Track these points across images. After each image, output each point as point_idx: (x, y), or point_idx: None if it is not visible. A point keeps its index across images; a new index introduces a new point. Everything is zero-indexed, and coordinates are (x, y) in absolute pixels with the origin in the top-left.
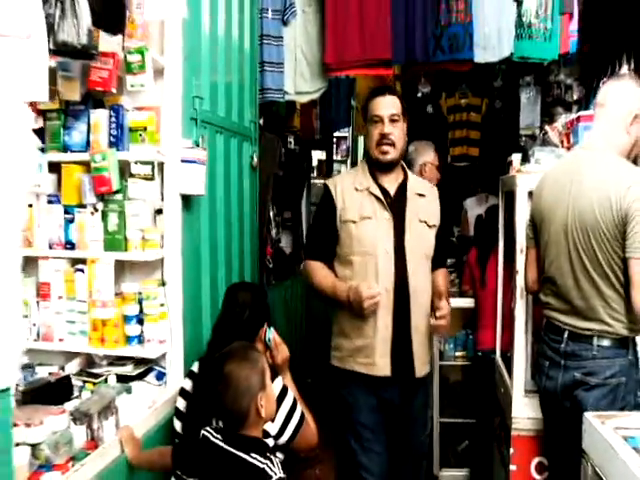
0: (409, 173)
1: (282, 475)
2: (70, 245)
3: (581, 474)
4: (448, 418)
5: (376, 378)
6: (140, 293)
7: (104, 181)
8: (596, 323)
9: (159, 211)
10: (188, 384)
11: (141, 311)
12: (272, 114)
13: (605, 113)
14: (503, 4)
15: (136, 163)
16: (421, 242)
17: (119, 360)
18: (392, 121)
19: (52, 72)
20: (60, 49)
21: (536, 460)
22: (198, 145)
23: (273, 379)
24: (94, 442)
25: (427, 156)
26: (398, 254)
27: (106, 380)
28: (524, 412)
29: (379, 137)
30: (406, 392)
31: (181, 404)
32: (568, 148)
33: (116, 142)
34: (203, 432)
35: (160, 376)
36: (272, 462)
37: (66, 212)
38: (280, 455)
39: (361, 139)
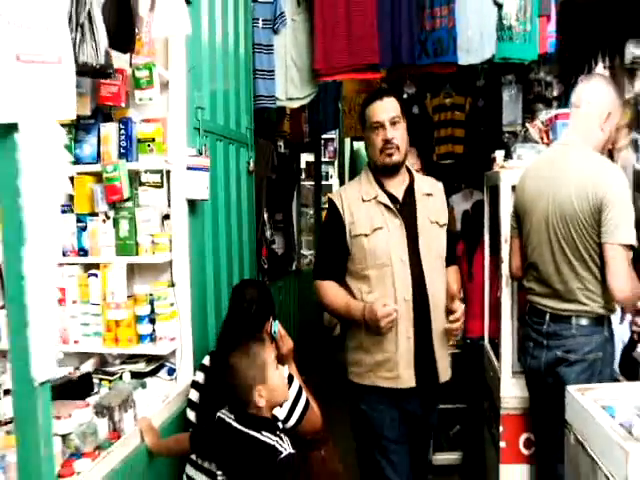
0: (414, 173)
1: (292, 451)
2: (83, 252)
3: (565, 443)
4: (440, 404)
5: (399, 390)
6: (151, 294)
7: (116, 190)
8: (574, 304)
9: (166, 216)
10: (200, 376)
11: (152, 311)
12: (264, 120)
13: (580, 113)
14: (485, 9)
15: (146, 172)
16: (435, 244)
17: (131, 358)
18: (393, 124)
19: None
20: (81, 69)
21: (524, 436)
22: (201, 153)
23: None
24: (116, 433)
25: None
26: (413, 260)
27: (121, 377)
28: (512, 392)
29: (382, 143)
30: (428, 401)
31: (194, 395)
32: (547, 144)
33: (126, 153)
34: (218, 414)
35: (171, 372)
36: (282, 439)
37: (79, 220)
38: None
39: (347, 140)
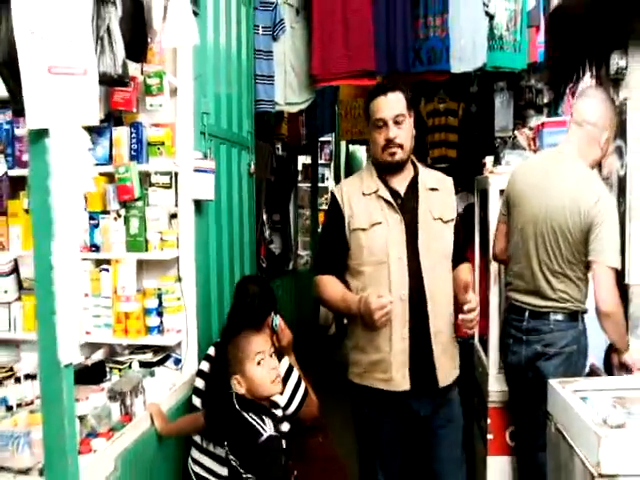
0: (420, 167)
1: (272, 434)
2: (95, 248)
3: (546, 433)
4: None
5: (396, 393)
6: (159, 288)
7: (127, 190)
8: (552, 301)
9: (174, 215)
10: (206, 366)
11: (160, 304)
12: (263, 123)
13: (582, 132)
14: (477, 19)
15: (156, 174)
16: (437, 242)
17: (139, 349)
18: (397, 122)
19: None
20: (101, 79)
21: (510, 429)
22: (206, 156)
23: (280, 360)
24: (128, 416)
25: None
26: (412, 258)
27: (130, 366)
28: (499, 386)
29: (385, 142)
30: (432, 402)
31: (200, 383)
32: (535, 151)
33: (136, 155)
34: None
35: (177, 362)
36: (264, 422)
37: (91, 218)
38: (287, 425)
39: (343, 143)
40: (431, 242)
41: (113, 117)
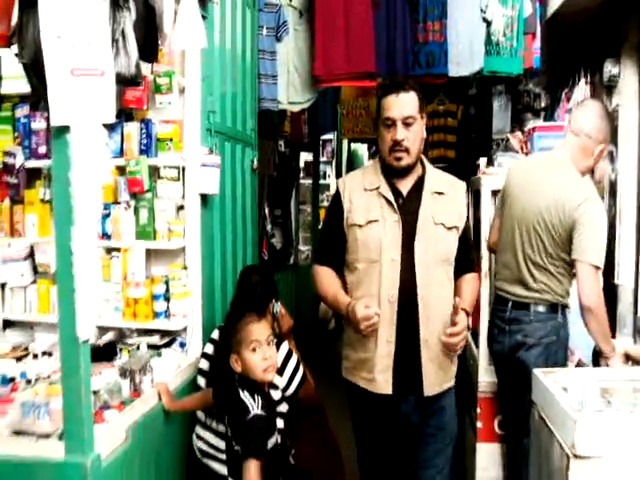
0: (429, 168)
1: (259, 412)
2: (106, 236)
3: (530, 420)
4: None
5: (380, 395)
6: (166, 275)
7: (137, 182)
8: (533, 292)
9: (181, 207)
10: (210, 348)
11: (167, 290)
12: (266, 120)
13: (578, 143)
14: (474, 25)
15: (164, 167)
16: (436, 247)
17: (146, 332)
18: (406, 124)
19: None
20: (116, 79)
21: (498, 418)
22: (212, 152)
23: (280, 344)
24: (137, 392)
25: None
26: (407, 261)
27: (138, 347)
28: (488, 377)
29: (391, 143)
30: (421, 411)
31: (204, 365)
32: (526, 153)
33: (146, 150)
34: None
35: (182, 345)
36: (254, 401)
37: (103, 208)
38: (286, 406)
39: (345, 141)
40: (429, 247)
41: (124, 113)
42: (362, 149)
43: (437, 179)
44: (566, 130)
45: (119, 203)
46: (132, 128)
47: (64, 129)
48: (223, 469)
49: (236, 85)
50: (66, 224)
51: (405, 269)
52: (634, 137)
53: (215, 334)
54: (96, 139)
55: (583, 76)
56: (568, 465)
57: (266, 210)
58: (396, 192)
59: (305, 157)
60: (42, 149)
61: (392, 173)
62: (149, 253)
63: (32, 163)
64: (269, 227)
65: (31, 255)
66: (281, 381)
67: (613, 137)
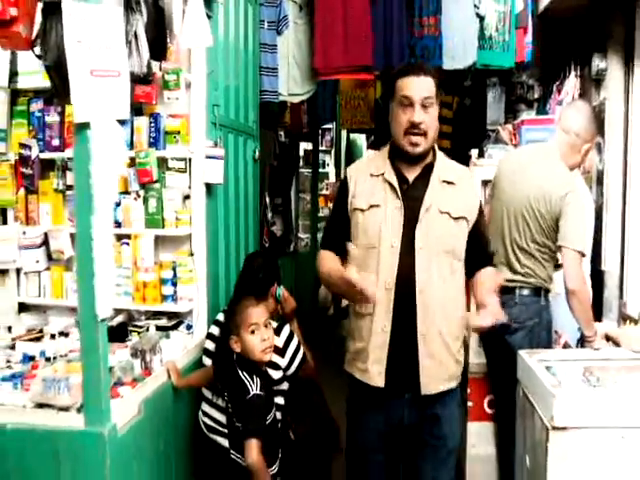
0: (440, 156)
1: (258, 392)
2: (117, 224)
3: (516, 398)
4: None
5: (376, 389)
6: (174, 261)
7: (147, 173)
8: (519, 275)
9: (187, 196)
10: (215, 329)
11: (175, 275)
12: (267, 112)
13: (568, 140)
14: (468, 20)
15: (172, 159)
16: (440, 236)
17: (155, 315)
18: (424, 106)
19: None
20: (129, 78)
21: (488, 397)
22: (216, 144)
23: (282, 326)
24: (147, 371)
25: None
26: (407, 249)
27: (147, 329)
28: (478, 359)
29: (408, 125)
30: (418, 411)
31: (210, 345)
32: (515, 145)
33: (155, 142)
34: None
35: (189, 327)
36: (253, 381)
37: None
38: (287, 384)
39: (344, 131)
40: (431, 235)
41: (134, 108)
42: (361, 139)
43: (448, 168)
44: (556, 125)
45: (129, 193)
46: (142, 122)
47: (85, 125)
48: (227, 443)
49: (239, 78)
50: (86, 212)
51: (405, 256)
52: (620, 129)
53: (220, 316)
54: (113, 134)
55: (573, 69)
56: (547, 436)
57: (267, 199)
58: (402, 178)
59: (304, 146)
60: (55, 142)
61: (403, 158)
62: (157, 240)
63: (46, 155)
64: (270, 215)
65: (45, 242)
66: (283, 361)
67: (600, 129)
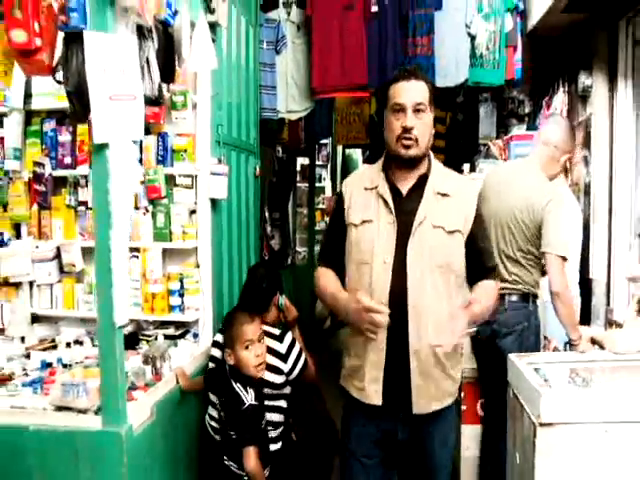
0: (435, 166)
1: (253, 403)
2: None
3: (506, 399)
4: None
5: (371, 407)
6: (181, 273)
7: (155, 189)
8: (507, 283)
9: (194, 211)
10: (220, 337)
11: (182, 287)
12: (266, 129)
13: (547, 152)
14: (459, 39)
15: (179, 176)
16: (432, 251)
17: (163, 324)
18: (416, 111)
19: None
20: None
21: (480, 401)
22: (220, 161)
23: (285, 333)
24: (158, 376)
25: None
26: (399, 265)
27: (156, 338)
28: (471, 364)
29: (400, 131)
30: (412, 427)
31: (216, 352)
32: (505, 160)
33: (163, 160)
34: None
35: (195, 335)
36: (247, 392)
37: None
38: (289, 388)
39: (340, 148)
40: (424, 250)
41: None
42: (357, 153)
43: (443, 179)
44: (536, 140)
45: (138, 208)
46: (150, 141)
47: (103, 145)
48: None
49: (240, 98)
50: (105, 227)
51: (397, 272)
52: (605, 143)
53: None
54: (129, 154)
55: (561, 85)
56: (535, 432)
57: (266, 213)
58: (395, 191)
59: (301, 161)
60: (67, 159)
61: (398, 164)
62: (165, 253)
63: (58, 172)
64: (268, 229)
65: (57, 256)
66: (285, 366)
67: (586, 143)
